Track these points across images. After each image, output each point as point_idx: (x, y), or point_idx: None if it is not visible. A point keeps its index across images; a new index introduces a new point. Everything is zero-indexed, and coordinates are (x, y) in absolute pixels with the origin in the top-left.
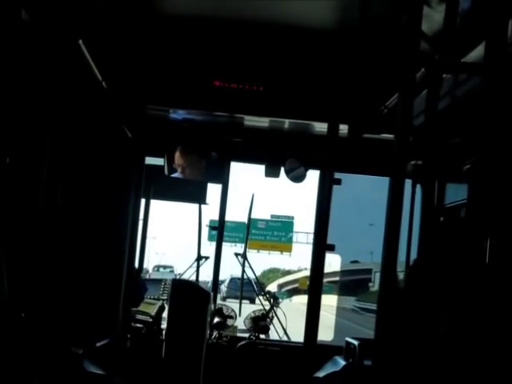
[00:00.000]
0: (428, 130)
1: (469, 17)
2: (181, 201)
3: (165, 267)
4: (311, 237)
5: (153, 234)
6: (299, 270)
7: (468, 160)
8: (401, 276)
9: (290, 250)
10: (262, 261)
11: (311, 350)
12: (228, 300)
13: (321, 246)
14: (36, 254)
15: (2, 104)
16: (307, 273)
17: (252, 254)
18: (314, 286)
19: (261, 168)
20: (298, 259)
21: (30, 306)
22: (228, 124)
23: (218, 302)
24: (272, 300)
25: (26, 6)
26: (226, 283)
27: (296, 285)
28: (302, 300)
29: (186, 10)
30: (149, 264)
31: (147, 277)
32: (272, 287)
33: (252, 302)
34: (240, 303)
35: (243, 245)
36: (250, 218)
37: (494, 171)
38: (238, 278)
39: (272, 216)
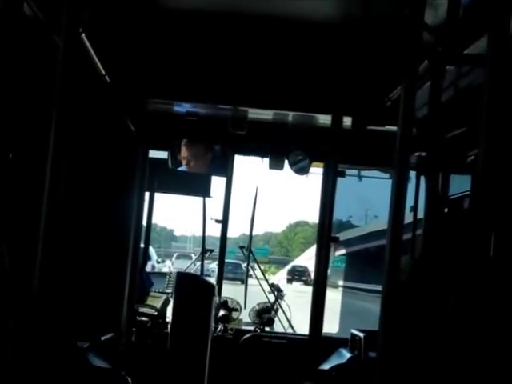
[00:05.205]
0: (431, 121)
1: (472, 8)
2: (185, 194)
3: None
4: None
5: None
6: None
7: (472, 151)
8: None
9: None
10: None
11: (316, 342)
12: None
13: (325, 238)
14: (41, 247)
15: (5, 99)
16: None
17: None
18: (319, 277)
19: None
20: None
21: (35, 300)
22: (232, 117)
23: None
24: (276, 292)
25: (28, 1)
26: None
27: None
28: None
29: (188, 4)
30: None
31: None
32: (307, 254)
33: (242, 282)
34: (245, 296)
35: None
36: (254, 211)
37: (497, 163)
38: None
39: None
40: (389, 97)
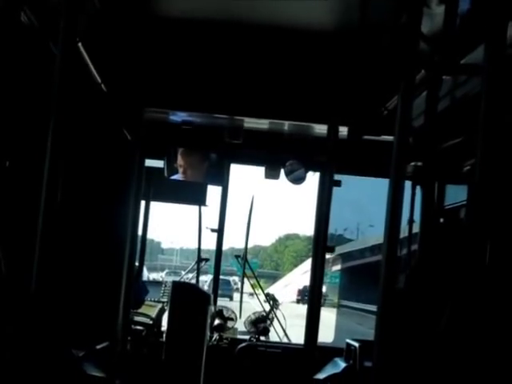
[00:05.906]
0: (428, 131)
1: (468, 18)
2: (181, 203)
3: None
4: None
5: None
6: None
7: (467, 161)
8: (401, 277)
9: None
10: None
11: (311, 351)
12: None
13: (321, 248)
14: (38, 254)
15: (2, 106)
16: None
17: None
18: (314, 287)
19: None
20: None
21: (30, 308)
22: (228, 126)
23: None
24: (272, 302)
25: (25, 9)
26: (207, 283)
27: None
28: None
29: (184, 13)
30: None
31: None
32: (302, 268)
33: (231, 299)
34: (240, 305)
35: None
36: (249, 221)
37: (493, 173)
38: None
39: None
40: (385, 106)
